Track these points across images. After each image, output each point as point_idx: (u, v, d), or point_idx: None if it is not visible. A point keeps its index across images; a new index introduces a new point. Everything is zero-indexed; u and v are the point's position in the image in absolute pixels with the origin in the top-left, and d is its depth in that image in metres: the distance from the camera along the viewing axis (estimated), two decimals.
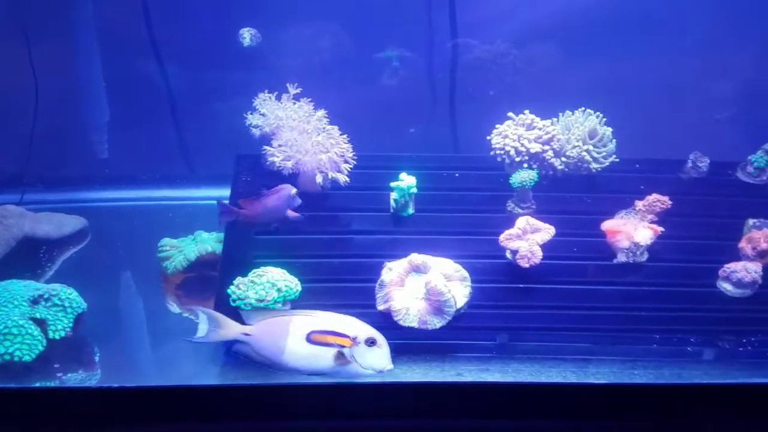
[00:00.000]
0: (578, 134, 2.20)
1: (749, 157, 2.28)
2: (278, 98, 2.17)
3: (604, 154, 2.21)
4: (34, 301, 1.77)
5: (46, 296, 1.78)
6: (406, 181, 2.09)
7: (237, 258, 1.98)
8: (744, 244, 1.98)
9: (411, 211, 2.13)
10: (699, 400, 1.66)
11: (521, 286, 1.93)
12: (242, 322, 1.61)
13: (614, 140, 2.22)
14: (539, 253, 1.90)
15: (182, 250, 2.06)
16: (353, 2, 2.45)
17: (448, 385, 1.66)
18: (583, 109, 2.24)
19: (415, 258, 1.86)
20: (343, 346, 1.55)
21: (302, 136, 2.10)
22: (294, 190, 1.98)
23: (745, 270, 1.90)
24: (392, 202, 2.11)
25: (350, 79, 2.53)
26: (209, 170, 2.54)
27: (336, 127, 2.16)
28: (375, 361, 1.55)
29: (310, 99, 2.17)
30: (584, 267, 2.00)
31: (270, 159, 2.10)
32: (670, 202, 2.06)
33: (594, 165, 2.21)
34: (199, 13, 2.42)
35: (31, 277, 1.93)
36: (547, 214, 2.06)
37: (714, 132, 2.50)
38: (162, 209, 2.40)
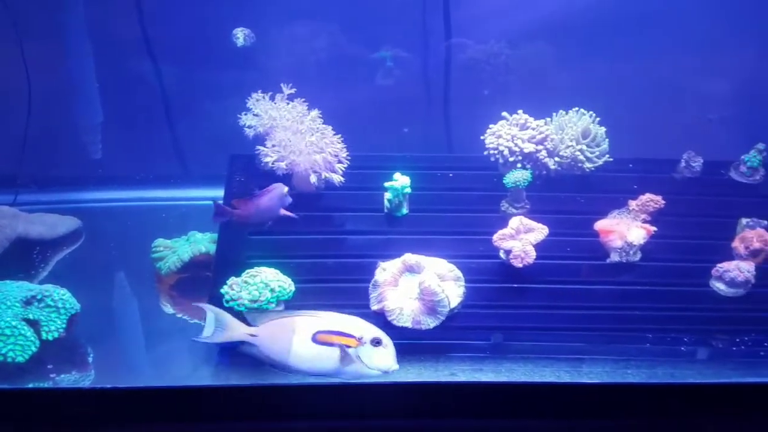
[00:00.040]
0: (572, 134, 2.21)
1: (742, 157, 2.28)
2: (272, 98, 2.16)
3: (598, 153, 2.21)
4: (27, 302, 1.77)
5: (39, 297, 1.78)
6: (400, 181, 2.09)
7: (231, 258, 1.98)
8: (737, 244, 1.99)
9: (405, 211, 2.13)
10: (692, 399, 1.66)
11: (515, 285, 1.93)
12: (248, 323, 1.62)
13: (607, 140, 2.22)
14: (533, 253, 1.90)
15: (176, 250, 2.06)
16: (347, 2, 2.45)
17: (441, 385, 1.66)
18: (576, 108, 2.24)
19: (409, 258, 1.86)
20: (349, 346, 1.55)
21: (296, 136, 2.10)
22: (285, 189, 1.98)
23: (738, 269, 1.90)
24: (386, 202, 2.11)
25: (344, 80, 2.53)
26: (203, 170, 2.54)
27: (330, 127, 2.16)
28: (381, 361, 1.55)
29: (303, 99, 2.17)
30: (577, 267, 2.00)
31: (264, 159, 2.10)
32: (663, 202, 2.07)
33: (587, 165, 2.21)
34: (193, 13, 2.42)
35: (25, 277, 1.93)
36: (540, 213, 2.06)
37: (707, 132, 2.50)
38: (155, 209, 2.40)
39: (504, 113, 2.21)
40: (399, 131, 2.56)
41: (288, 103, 2.16)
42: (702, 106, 2.49)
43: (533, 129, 2.18)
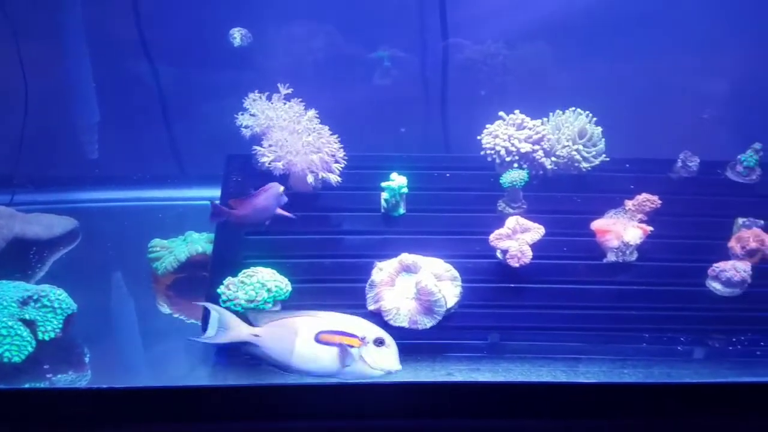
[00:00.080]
0: (568, 134, 2.21)
1: (739, 157, 2.29)
2: (269, 98, 2.17)
3: (594, 153, 2.22)
4: (24, 302, 1.76)
5: (35, 297, 1.78)
6: (397, 181, 2.09)
7: (227, 258, 1.98)
8: (733, 243, 1.99)
9: (402, 211, 2.13)
10: (689, 398, 1.66)
11: (511, 285, 1.93)
12: (250, 324, 1.62)
13: (603, 139, 2.22)
14: (529, 253, 1.90)
15: (172, 250, 2.06)
16: (344, 2, 2.45)
17: (438, 385, 1.66)
18: (573, 108, 2.25)
19: (406, 258, 1.86)
20: (352, 346, 1.55)
21: (293, 136, 2.10)
22: (281, 188, 1.98)
23: (735, 269, 1.90)
24: (383, 202, 2.12)
25: (342, 79, 2.53)
26: (200, 170, 2.54)
27: (326, 127, 2.16)
28: (384, 362, 1.56)
29: (300, 99, 2.17)
30: (574, 266, 2.00)
31: (260, 159, 2.10)
32: (660, 202, 2.07)
33: (584, 164, 2.21)
34: (190, 13, 2.42)
35: (22, 278, 1.93)
36: (537, 213, 2.06)
37: (704, 131, 2.51)
38: (152, 209, 2.40)
39: (501, 113, 2.21)
40: (396, 131, 2.56)
41: (285, 103, 2.16)
42: (698, 106, 2.49)
43: (530, 129, 2.19)
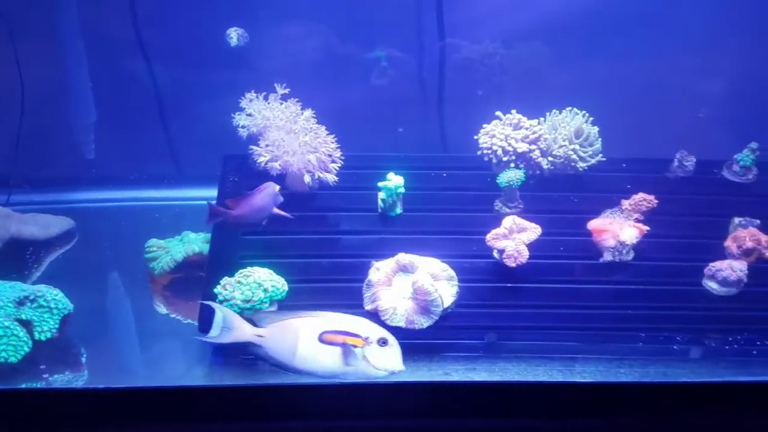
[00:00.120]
0: (565, 134, 2.21)
1: (735, 156, 2.29)
2: (265, 98, 2.16)
3: (591, 153, 2.22)
4: (20, 303, 1.76)
5: (31, 297, 1.77)
6: (394, 180, 2.09)
7: (224, 258, 1.98)
8: (729, 243, 1.99)
9: (399, 210, 2.13)
10: (685, 398, 1.66)
11: (508, 285, 1.93)
12: (254, 324, 1.62)
13: (600, 139, 2.22)
14: (526, 253, 1.90)
15: (169, 250, 2.06)
16: (341, 2, 2.45)
17: (435, 384, 1.66)
18: (569, 108, 2.25)
19: (403, 257, 1.87)
20: (356, 346, 1.55)
21: (289, 136, 2.10)
22: (277, 187, 1.98)
23: (731, 268, 1.90)
24: (380, 202, 2.12)
25: (339, 79, 2.53)
26: (196, 170, 2.53)
27: (323, 127, 2.16)
28: (387, 362, 1.56)
29: (297, 99, 2.17)
30: (570, 266, 2.00)
31: (257, 159, 2.10)
32: (656, 201, 2.07)
33: (580, 164, 2.21)
34: (186, 13, 2.41)
35: (18, 278, 1.92)
36: (534, 213, 2.06)
37: (700, 131, 2.51)
38: (149, 210, 2.39)
39: (498, 113, 2.21)
40: (393, 131, 2.56)
41: (281, 103, 2.16)
42: (695, 106, 2.50)
43: (526, 129, 2.19)
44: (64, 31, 2.41)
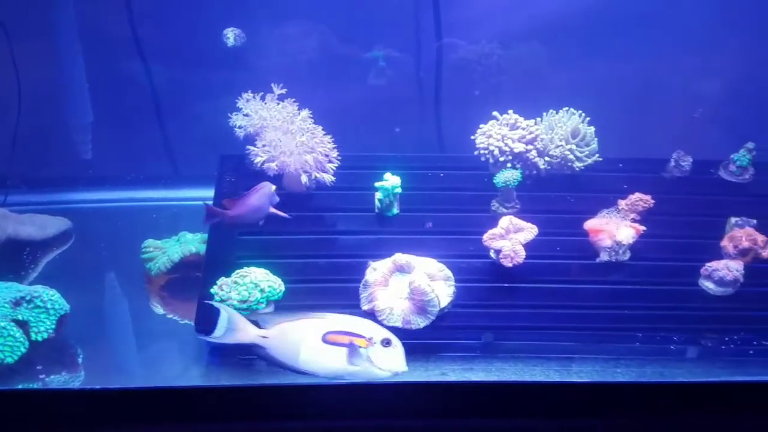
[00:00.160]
0: (561, 134, 2.21)
1: (732, 156, 2.29)
2: (262, 98, 2.16)
3: (587, 153, 2.22)
4: (16, 303, 1.76)
5: (28, 298, 1.77)
6: (391, 181, 2.09)
7: (221, 258, 1.98)
8: (726, 243, 2.00)
9: (396, 210, 2.13)
10: (682, 398, 1.66)
11: (505, 285, 1.94)
12: (258, 326, 1.62)
13: (596, 139, 2.23)
14: (522, 253, 1.90)
15: (166, 251, 2.06)
16: (339, 2, 2.45)
17: (431, 384, 1.66)
18: (566, 108, 2.25)
19: (399, 258, 1.86)
20: (360, 346, 1.55)
21: (286, 136, 2.10)
22: (273, 187, 1.98)
23: (727, 268, 1.91)
24: (377, 202, 2.12)
25: (336, 79, 2.53)
26: (193, 171, 2.53)
27: (320, 127, 2.16)
28: (391, 362, 1.56)
29: (294, 99, 2.17)
30: (567, 266, 2.00)
31: (254, 159, 2.10)
32: (653, 201, 2.08)
33: (577, 164, 2.22)
34: (183, 13, 2.41)
35: (15, 278, 1.93)
36: (530, 213, 2.06)
37: (697, 131, 2.51)
38: (146, 210, 2.39)
39: (495, 113, 2.21)
40: (390, 131, 2.56)
41: (278, 103, 2.16)
42: (691, 106, 2.50)
43: (523, 129, 2.19)
44: (61, 31, 2.41)
